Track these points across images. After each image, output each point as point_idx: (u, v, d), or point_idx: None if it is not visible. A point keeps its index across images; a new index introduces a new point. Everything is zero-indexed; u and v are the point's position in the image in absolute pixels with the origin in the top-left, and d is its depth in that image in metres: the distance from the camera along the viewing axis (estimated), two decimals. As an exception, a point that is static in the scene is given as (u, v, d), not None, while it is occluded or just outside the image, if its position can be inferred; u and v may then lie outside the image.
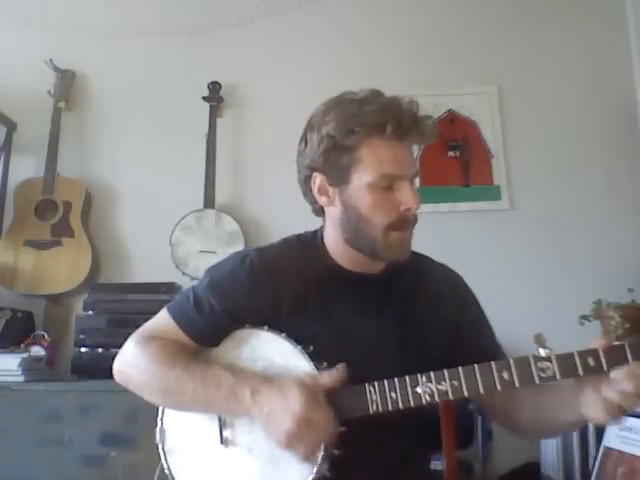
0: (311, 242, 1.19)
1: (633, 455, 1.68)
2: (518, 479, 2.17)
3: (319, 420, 0.96)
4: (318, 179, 1.12)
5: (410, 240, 1.13)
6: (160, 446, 1.12)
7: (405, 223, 1.09)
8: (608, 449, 1.78)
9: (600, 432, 1.85)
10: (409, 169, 1.09)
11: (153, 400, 1.11)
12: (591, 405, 0.94)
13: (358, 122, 1.05)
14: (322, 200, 1.14)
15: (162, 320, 1.15)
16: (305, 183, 1.16)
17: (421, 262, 1.23)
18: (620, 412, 0.92)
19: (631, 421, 1.72)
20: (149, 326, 1.15)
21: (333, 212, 1.14)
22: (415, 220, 1.11)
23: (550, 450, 2.10)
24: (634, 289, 2.13)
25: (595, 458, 1.82)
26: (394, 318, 1.14)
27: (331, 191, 1.12)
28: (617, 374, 0.91)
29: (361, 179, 1.07)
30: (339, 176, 1.09)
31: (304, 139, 1.14)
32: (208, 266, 1.20)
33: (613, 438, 1.77)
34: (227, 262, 1.17)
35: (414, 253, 1.17)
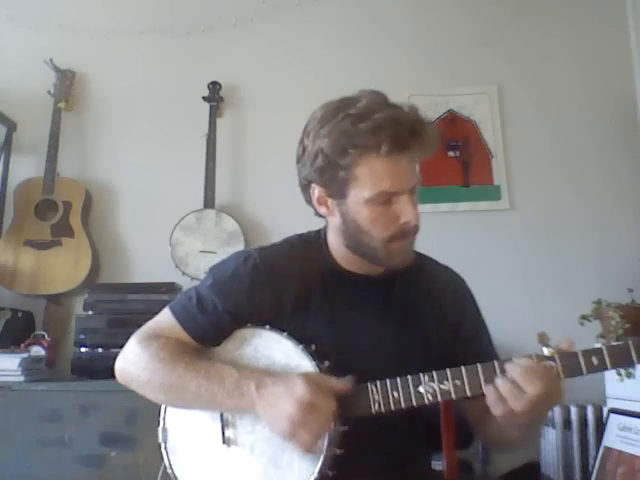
0: (314, 242, 1.19)
1: (633, 455, 1.68)
2: (518, 479, 2.17)
3: (323, 405, 0.95)
4: (317, 190, 1.12)
5: (412, 246, 1.13)
6: (163, 445, 1.12)
7: (405, 234, 1.08)
8: (608, 449, 1.78)
9: (600, 432, 1.85)
10: (408, 183, 1.06)
11: (155, 398, 1.10)
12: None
13: (352, 142, 1.02)
14: (321, 210, 1.14)
15: (164, 319, 1.14)
16: (305, 191, 1.15)
17: (423, 263, 1.23)
18: (502, 403, 0.92)
19: (631, 421, 1.72)
20: (151, 325, 1.15)
21: (333, 221, 1.14)
22: (416, 230, 1.09)
23: (550, 450, 2.10)
24: (634, 289, 2.13)
25: (595, 458, 1.82)
26: (396, 318, 1.14)
27: (330, 202, 1.11)
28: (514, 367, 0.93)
29: (358, 195, 1.06)
30: (336, 190, 1.09)
31: (301, 144, 1.12)
32: (208, 266, 1.20)
33: (613, 438, 1.77)
34: (230, 261, 1.17)
35: (417, 254, 1.17)
